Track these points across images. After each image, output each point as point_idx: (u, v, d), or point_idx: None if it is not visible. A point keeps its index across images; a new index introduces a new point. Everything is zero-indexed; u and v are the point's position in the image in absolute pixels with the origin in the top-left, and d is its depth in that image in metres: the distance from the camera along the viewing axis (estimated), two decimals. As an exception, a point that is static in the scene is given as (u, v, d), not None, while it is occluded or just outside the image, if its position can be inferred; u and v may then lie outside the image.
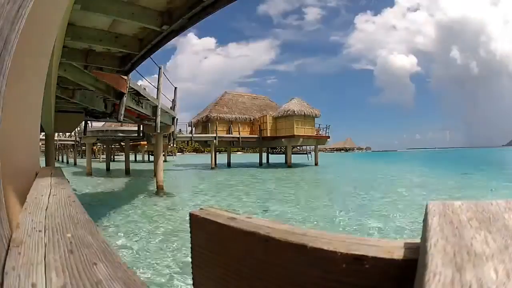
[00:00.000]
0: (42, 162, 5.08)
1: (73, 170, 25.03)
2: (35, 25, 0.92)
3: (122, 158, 32.43)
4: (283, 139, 26.10)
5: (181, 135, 25.62)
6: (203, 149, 48.13)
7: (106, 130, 20.73)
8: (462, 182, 13.88)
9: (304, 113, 26.60)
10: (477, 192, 10.73)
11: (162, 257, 4.62)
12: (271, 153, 34.03)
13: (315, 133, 27.91)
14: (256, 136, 28.32)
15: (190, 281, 0.64)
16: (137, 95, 9.11)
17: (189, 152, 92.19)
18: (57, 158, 41.60)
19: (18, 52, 0.68)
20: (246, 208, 8.69)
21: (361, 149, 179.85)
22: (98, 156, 44.90)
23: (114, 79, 7.02)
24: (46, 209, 0.66)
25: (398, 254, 0.37)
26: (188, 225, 0.62)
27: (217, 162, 26.92)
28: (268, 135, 27.48)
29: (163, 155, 23.80)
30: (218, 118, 28.50)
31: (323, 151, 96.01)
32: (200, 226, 0.59)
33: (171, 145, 34.07)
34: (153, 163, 18.77)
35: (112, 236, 5.64)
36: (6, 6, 0.66)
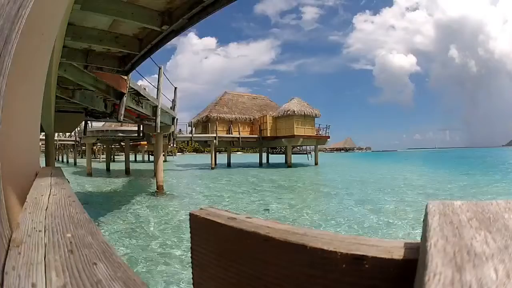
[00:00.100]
0: (42, 162, 5.08)
1: (73, 170, 25.04)
2: (35, 25, 0.92)
3: (122, 158, 32.44)
4: (283, 139, 26.10)
5: (181, 135, 25.63)
6: (203, 149, 48.13)
7: (106, 130, 20.73)
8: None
9: (304, 113, 26.61)
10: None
11: (162, 256, 4.62)
12: (271, 153, 34.03)
13: (315, 133, 27.91)
14: (256, 136, 28.33)
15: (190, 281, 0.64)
16: (137, 95, 9.11)
17: (189, 152, 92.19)
18: (57, 158, 41.61)
19: (18, 52, 0.68)
20: (246, 208, 8.69)
21: (361, 149, 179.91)
22: (98, 156, 44.89)
23: (114, 79, 7.02)
24: (46, 209, 0.66)
25: (398, 254, 0.37)
26: (188, 225, 0.62)
27: (217, 162, 26.93)
28: (268, 135, 27.47)
29: (163, 155, 23.79)
30: (218, 118, 28.51)
31: (323, 151, 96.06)
32: (200, 226, 0.59)
33: (171, 145, 34.07)
34: (153, 163, 18.77)
35: (112, 236, 5.64)
36: (6, 6, 0.66)
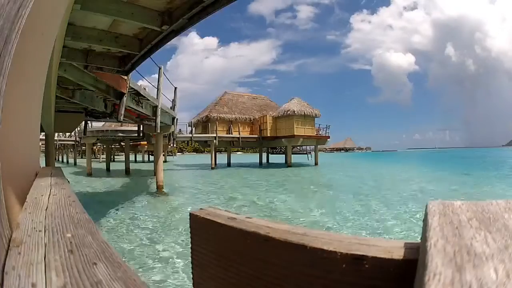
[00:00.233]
0: (42, 162, 5.08)
1: (73, 170, 25.04)
2: (35, 25, 0.92)
3: (122, 158, 32.44)
4: (283, 139, 26.11)
5: (181, 135, 25.63)
6: (203, 149, 48.13)
7: (106, 130, 20.74)
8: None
9: (304, 113, 26.61)
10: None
11: (162, 256, 4.62)
12: (271, 153, 34.04)
13: (315, 133, 27.92)
14: (256, 136, 28.34)
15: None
16: (137, 95, 9.11)
17: (189, 152, 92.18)
18: (57, 158, 41.59)
19: (18, 52, 0.68)
20: (246, 208, 8.69)
21: (361, 149, 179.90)
22: (98, 156, 44.86)
23: (114, 79, 7.02)
24: (46, 209, 0.66)
25: (398, 254, 0.37)
26: (188, 224, 0.62)
27: (217, 162, 26.93)
28: (268, 135, 27.48)
29: (163, 155, 23.80)
30: (218, 118, 28.51)
31: (323, 151, 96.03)
32: (200, 226, 0.59)
33: (171, 145, 34.05)
34: (153, 163, 18.76)
35: (111, 236, 5.64)
36: (6, 6, 0.66)
